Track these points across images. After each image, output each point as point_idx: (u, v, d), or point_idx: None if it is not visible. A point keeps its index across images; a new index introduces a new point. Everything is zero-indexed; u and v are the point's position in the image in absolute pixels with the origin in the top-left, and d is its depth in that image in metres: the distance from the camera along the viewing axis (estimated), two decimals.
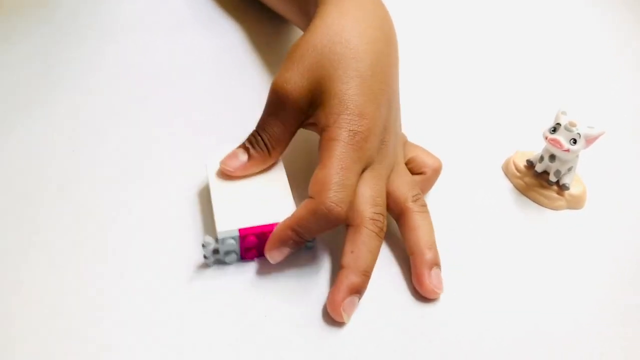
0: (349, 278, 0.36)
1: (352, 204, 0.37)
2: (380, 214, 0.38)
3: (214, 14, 0.61)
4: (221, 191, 0.40)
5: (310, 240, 0.39)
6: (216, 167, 0.41)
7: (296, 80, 0.39)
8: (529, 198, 0.46)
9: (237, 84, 0.53)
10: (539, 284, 0.40)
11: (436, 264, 0.39)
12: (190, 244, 0.40)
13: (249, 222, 0.38)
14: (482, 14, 0.65)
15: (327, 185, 0.36)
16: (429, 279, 0.38)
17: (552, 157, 0.44)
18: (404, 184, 0.41)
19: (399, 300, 0.38)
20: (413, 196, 0.40)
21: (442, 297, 0.39)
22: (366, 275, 0.37)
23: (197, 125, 0.48)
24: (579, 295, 0.40)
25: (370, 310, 0.37)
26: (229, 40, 0.57)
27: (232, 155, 0.40)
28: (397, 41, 0.44)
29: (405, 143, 0.44)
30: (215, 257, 0.38)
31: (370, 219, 0.38)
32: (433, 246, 0.39)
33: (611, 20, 0.67)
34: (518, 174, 0.47)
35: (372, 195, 0.38)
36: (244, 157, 0.40)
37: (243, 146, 0.41)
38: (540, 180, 0.46)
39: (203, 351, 0.35)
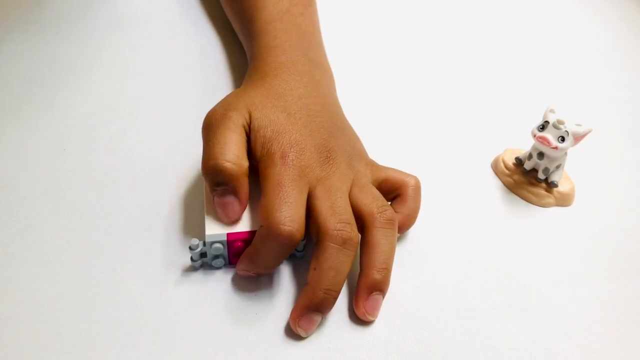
0: (308, 296, 0.35)
1: (302, 219, 0.35)
2: (345, 222, 0.36)
3: (206, 12, 0.60)
4: None
5: (299, 249, 0.39)
6: None
7: (236, 105, 0.39)
8: (518, 195, 0.46)
9: (232, 82, 0.53)
10: (528, 281, 0.40)
11: (380, 289, 0.37)
12: (180, 246, 0.40)
13: (238, 228, 0.37)
14: (472, 12, 0.65)
15: (270, 208, 0.35)
16: (364, 302, 0.36)
17: (541, 155, 0.44)
18: (367, 196, 0.38)
19: (392, 298, 0.38)
20: (379, 207, 0.38)
21: (432, 295, 0.39)
22: (328, 295, 0.35)
23: (192, 124, 0.48)
24: (567, 291, 0.40)
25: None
26: (224, 38, 0.57)
27: (225, 206, 0.37)
28: (329, 89, 0.46)
29: (374, 165, 0.42)
30: (203, 261, 0.38)
31: (334, 230, 0.35)
32: (384, 270, 0.37)
33: (599, 19, 0.67)
34: (507, 171, 0.47)
35: (330, 205, 0.36)
36: (235, 202, 0.37)
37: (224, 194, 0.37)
38: (529, 177, 0.46)
39: (187, 355, 0.34)
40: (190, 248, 0.37)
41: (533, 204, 0.45)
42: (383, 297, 0.37)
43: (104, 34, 0.56)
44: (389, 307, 0.38)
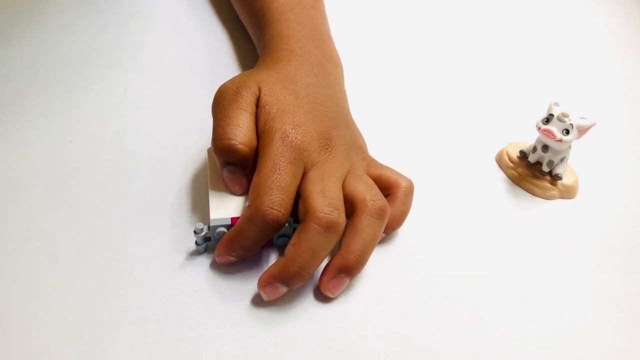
0: (280, 267, 0.35)
1: (290, 205, 0.36)
2: (334, 207, 0.35)
3: (212, 6, 0.61)
4: (219, 179, 0.39)
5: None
6: None
7: (247, 82, 0.40)
8: (522, 188, 0.46)
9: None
10: (532, 272, 0.40)
11: (349, 273, 0.36)
12: (185, 230, 0.40)
13: (242, 212, 0.37)
14: (475, 6, 0.66)
15: (261, 190, 0.35)
16: (329, 279, 0.36)
17: (545, 148, 0.44)
18: (362, 184, 0.38)
19: (397, 289, 0.38)
20: (372, 195, 0.37)
21: (436, 287, 0.39)
22: (300, 273, 0.35)
23: (197, 117, 0.48)
24: (572, 283, 0.40)
25: (367, 289, 0.38)
26: (230, 32, 0.58)
27: (234, 182, 0.38)
28: (338, 82, 0.46)
29: (371, 161, 0.42)
30: (207, 245, 0.38)
31: (320, 212, 0.35)
32: (361, 257, 0.36)
33: (602, 12, 0.67)
34: (511, 164, 0.47)
35: (320, 189, 0.36)
36: (244, 178, 0.38)
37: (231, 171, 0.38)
38: (533, 170, 0.46)
39: (192, 337, 0.35)
40: (195, 232, 0.37)
41: (537, 196, 0.45)
42: (350, 280, 0.37)
43: (108, 28, 0.56)
44: (396, 297, 0.38)
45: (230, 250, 0.37)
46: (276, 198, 0.35)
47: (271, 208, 0.35)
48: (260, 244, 0.37)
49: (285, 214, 0.36)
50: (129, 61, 0.53)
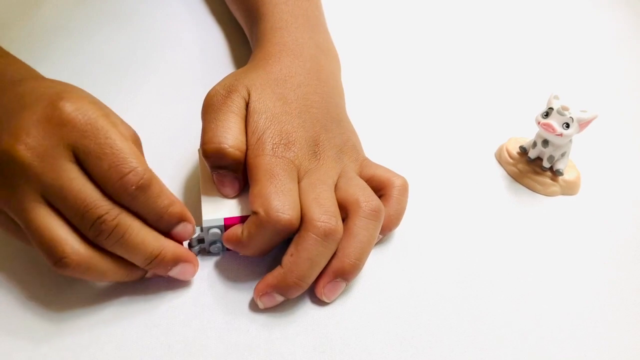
0: (278, 278, 0.35)
1: (299, 208, 0.35)
2: (330, 214, 0.35)
3: (205, 4, 0.60)
4: (211, 180, 0.39)
5: None
6: None
7: (237, 86, 0.39)
8: (523, 185, 0.45)
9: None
10: (534, 272, 0.39)
11: (345, 278, 0.36)
12: None
13: (236, 212, 0.37)
14: (474, 2, 0.65)
15: (266, 196, 0.35)
16: (325, 284, 0.36)
17: (545, 143, 0.43)
18: (354, 186, 0.37)
19: (396, 288, 0.38)
20: (365, 196, 0.36)
21: (437, 285, 0.38)
22: (298, 284, 0.34)
23: (190, 116, 0.47)
24: (573, 281, 0.39)
25: (364, 291, 0.37)
26: (224, 30, 0.57)
27: (225, 185, 0.38)
28: (332, 76, 0.45)
29: (364, 161, 0.41)
30: (200, 246, 0.38)
31: (317, 221, 0.34)
32: (357, 261, 0.36)
33: (602, 3, 0.66)
34: (511, 160, 0.46)
35: (314, 197, 0.35)
36: (235, 181, 0.38)
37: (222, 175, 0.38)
38: (534, 166, 0.45)
39: (185, 340, 0.34)
40: None
41: (538, 193, 0.45)
42: (346, 285, 0.36)
43: (100, 29, 0.56)
44: (395, 299, 0.37)
45: (241, 253, 0.36)
46: (285, 202, 0.34)
47: (283, 213, 0.34)
48: (273, 248, 0.37)
49: (297, 217, 0.35)
50: (120, 62, 0.53)
